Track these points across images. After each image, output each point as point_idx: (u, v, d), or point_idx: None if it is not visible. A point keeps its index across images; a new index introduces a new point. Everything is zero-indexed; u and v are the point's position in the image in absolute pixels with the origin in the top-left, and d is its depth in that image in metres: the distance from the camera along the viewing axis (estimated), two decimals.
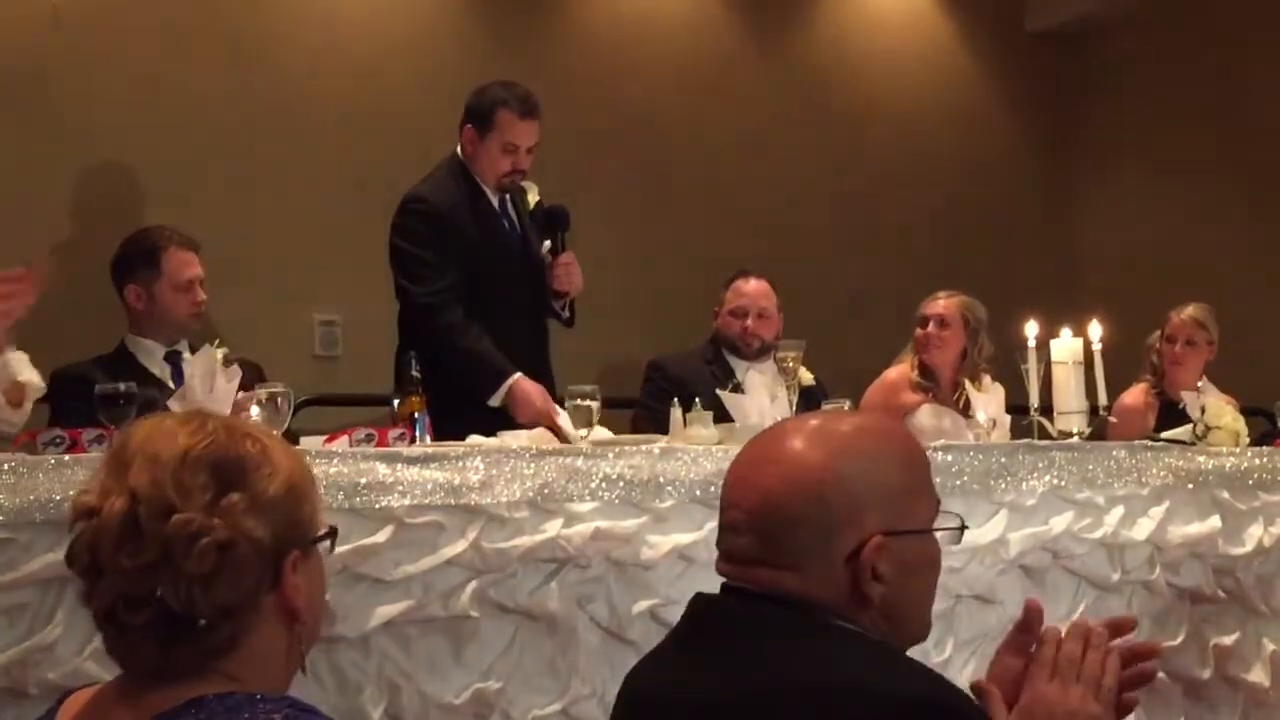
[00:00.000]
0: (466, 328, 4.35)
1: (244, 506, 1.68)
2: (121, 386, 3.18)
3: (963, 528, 1.99)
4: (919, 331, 5.44)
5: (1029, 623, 2.04)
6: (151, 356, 4.34)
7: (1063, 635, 2.00)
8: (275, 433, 1.85)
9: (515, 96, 4.58)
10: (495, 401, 4.21)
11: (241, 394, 3.57)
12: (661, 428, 4.02)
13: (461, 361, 4.30)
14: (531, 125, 4.58)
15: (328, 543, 1.79)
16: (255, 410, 3.33)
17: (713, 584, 2.85)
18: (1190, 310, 5.95)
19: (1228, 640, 4.04)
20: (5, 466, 2.81)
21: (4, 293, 3.26)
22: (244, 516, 1.68)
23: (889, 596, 1.87)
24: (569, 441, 3.72)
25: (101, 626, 1.70)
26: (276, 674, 1.74)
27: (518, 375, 4.23)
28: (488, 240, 4.60)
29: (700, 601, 2.01)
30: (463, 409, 4.04)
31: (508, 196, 4.67)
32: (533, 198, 4.71)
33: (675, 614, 3.17)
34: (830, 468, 1.88)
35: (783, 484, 1.88)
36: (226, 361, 3.63)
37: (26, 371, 3.85)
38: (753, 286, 5.42)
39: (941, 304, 5.44)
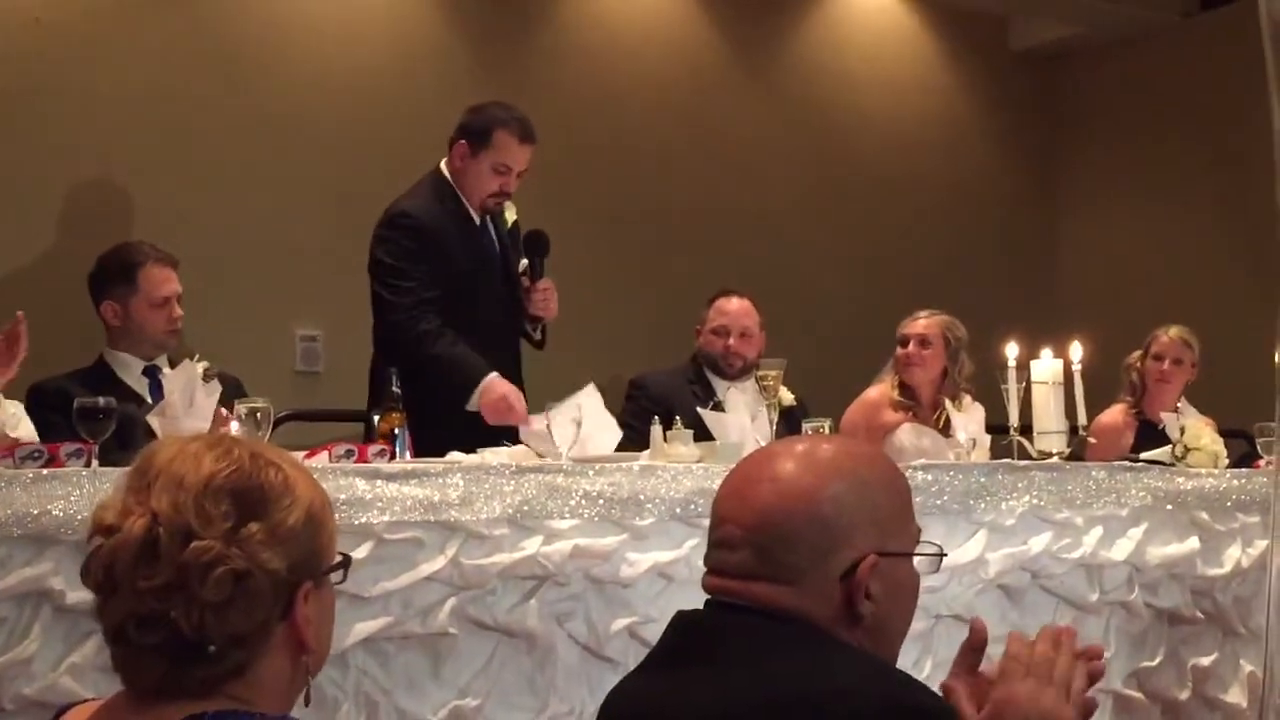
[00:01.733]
0: (440, 334, 4.34)
1: (262, 537, 1.69)
2: (101, 401, 3.17)
3: (942, 554, 2.05)
4: (899, 351, 5.46)
5: (975, 642, 2.07)
6: (130, 371, 4.32)
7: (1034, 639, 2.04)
8: (299, 460, 1.85)
9: (515, 119, 4.59)
10: (472, 405, 4.20)
11: (222, 410, 3.57)
12: (642, 445, 4.02)
13: (437, 367, 4.30)
14: (527, 151, 4.60)
15: (341, 571, 1.80)
16: (235, 425, 3.33)
17: (693, 601, 2.84)
18: (1175, 330, 5.98)
19: (1206, 661, 4.06)
20: None
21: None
22: (261, 547, 1.68)
23: (878, 615, 1.92)
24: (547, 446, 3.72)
25: (110, 643, 1.70)
26: (280, 702, 1.74)
27: (493, 375, 4.22)
28: (470, 258, 4.60)
29: (686, 617, 2.02)
30: (442, 423, 4.04)
31: (488, 215, 4.68)
32: (510, 216, 4.72)
33: (654, 632, 3.18)
34: (826, 488, 1.93)
35: (780, 501, 1.92)
36: (206, 376, 3.62)
37: (23, 427, 3.85)
38: (735, 305, 5.45)
39: (922, 323, 5.45)
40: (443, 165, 4.65)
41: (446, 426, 4.03)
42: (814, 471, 1.95)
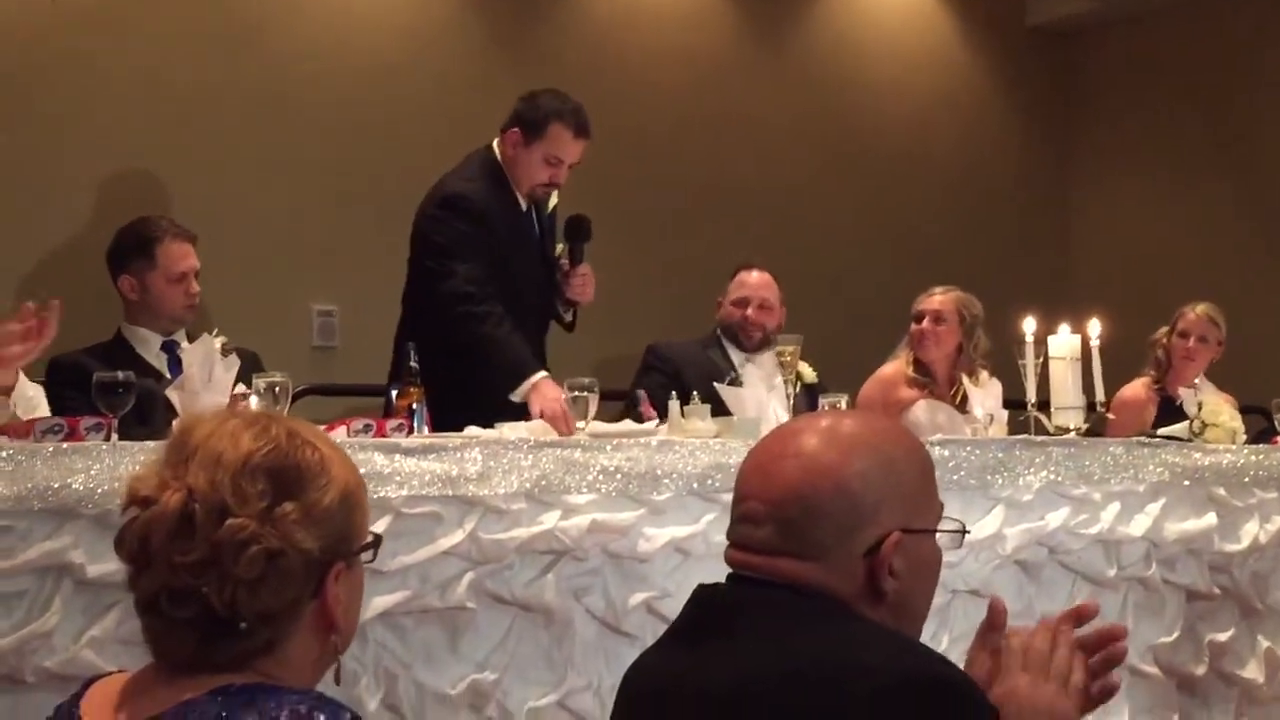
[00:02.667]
0: (503, 319, 4.33)
1: (296, 517, 1.69)
2: (120, 375, 3.17)
3: (964, 531, 2.05)
4: (914, 327, 5.45)
5: (995, 621, 2.05)
6: (148, 346, 4.32)
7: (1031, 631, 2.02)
8: (334, 439, 1.85)
9: (571, 112, 4.59)
10: (517, 396, 4.18)
11: (241, 386, 3.58)
12: (659, 415, 4.02)
13: (490, 348, 4.28)
14: (581, 145, 4.61)
15: (371, 551, 1.81)
16: (254, 400, 3.34)
17: (711, 576, 2.83)
18: (1203, 307, 5.99)
19: (1223, 637, 4.07)
20: (4, 454, 2.81)
21: (25, 333, 3.30)
22: (296, 527, 1.69)
23: (901, 591, 1.93)
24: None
25: (141, 614, 1.71)
26: (307, 678, 1.75)
27: (544, 373, 4.22)
28: (516, 242, 4.62)
29: (707, 591, 2.02)
30: (461, 401, 4.04)
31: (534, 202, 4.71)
32: (552, 201, 4.74)
33: (672, 606, 3.18)
34: (852, 464, 1.93)
35: (806, 477, 1.92)
36: (224, 351, 3.62)
37: (41, 410, 3.85)
38: (755, 278, 5.49)
39: (937, 300, 5.44)
40: (494, 146, 4.65)
41: (466, 405, 4.03)
42: (839, 448, 1.95)
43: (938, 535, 1.99)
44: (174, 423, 2.97)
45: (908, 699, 1.77)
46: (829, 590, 1.90)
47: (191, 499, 1.67)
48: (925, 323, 5.41)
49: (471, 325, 4.31)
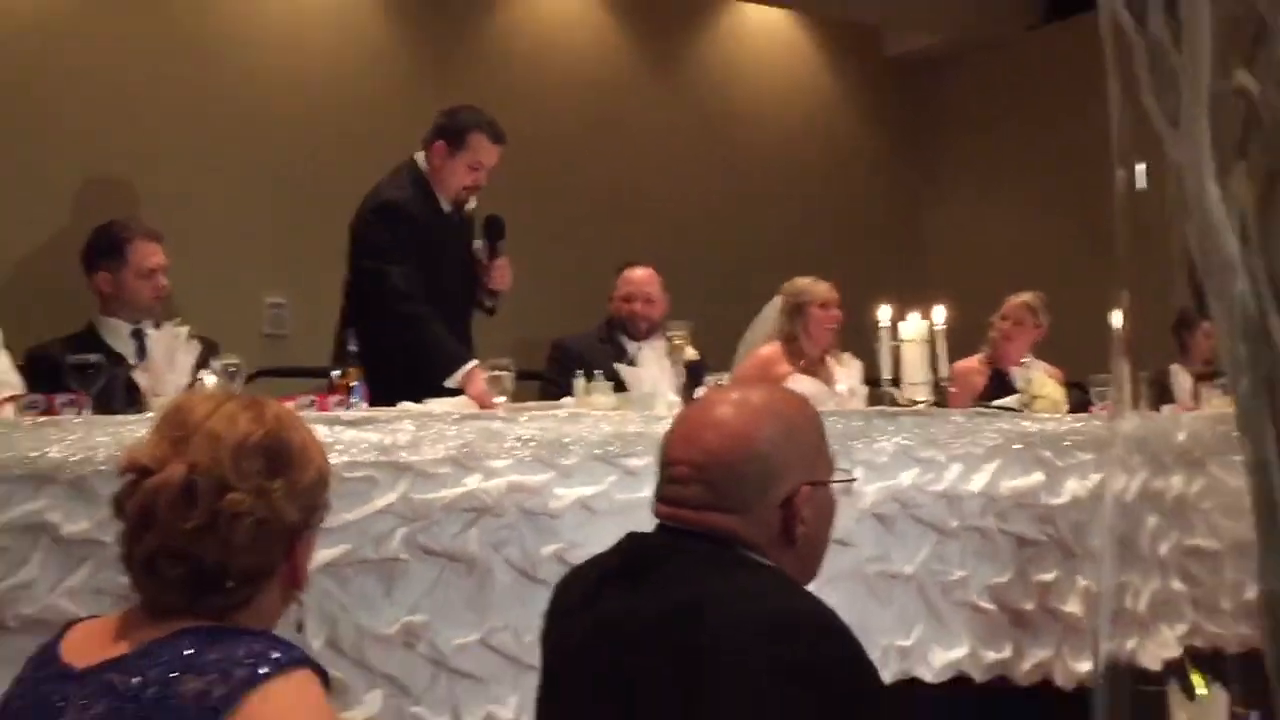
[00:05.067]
0: (432, 317, 4.32)
1: (283, 492, 1.71)
2: (92, 358, 3.15)
3: (853, 479, 2.12)
4: (816, 311, 5.40)
5: None
6: (117, 334, 4.24)
7: None
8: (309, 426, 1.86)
9: (488, 123, 4.58)
10: (452, 383, 4.15)
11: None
12: (563, 397, 4.02)
13: (425, 344, 4.26)
14: (497, 150, 4.59)
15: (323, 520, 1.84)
16: (211, 380, 3.30)
17: (611, 530, 2.82)
18: (1024, 297, 6.15)
19: (1048, 577, 4.09)
20: None
21: None
22: (282, 500, 1.71)
23: (808, 535, 1.99)
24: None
25: (135, 572, 1.71)
26: (268, 625, 1.77)
27: (475, 362, 4.20)
28: (441, 241, 4.59)
29: (638, 538, 2.07)
30: (395, 380, 4.01)
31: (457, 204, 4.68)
32: (470, 204, 4.72)
33: (579, 556, 3.20)
34: (763, 430, 1.98)
35: (725, 443, 1.97)
36: (187, 338, 3.59)
37: (12, 377, 3.79)
38: (639, 274, 5.46)
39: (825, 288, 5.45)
40: (418, 159, 4.61)
41: (400, 383, 4.01)
42: (750, 417, 2.00)
43: (834, 485, 2.06)
44: (157, 400, 2.94)
45: (794, 628, 1.83)
46: (749, 539, 1.95)
47: (193, 473, 1.67)
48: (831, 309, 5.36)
49: (407, 323, 4.30)
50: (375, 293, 4.44)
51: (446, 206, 4.63)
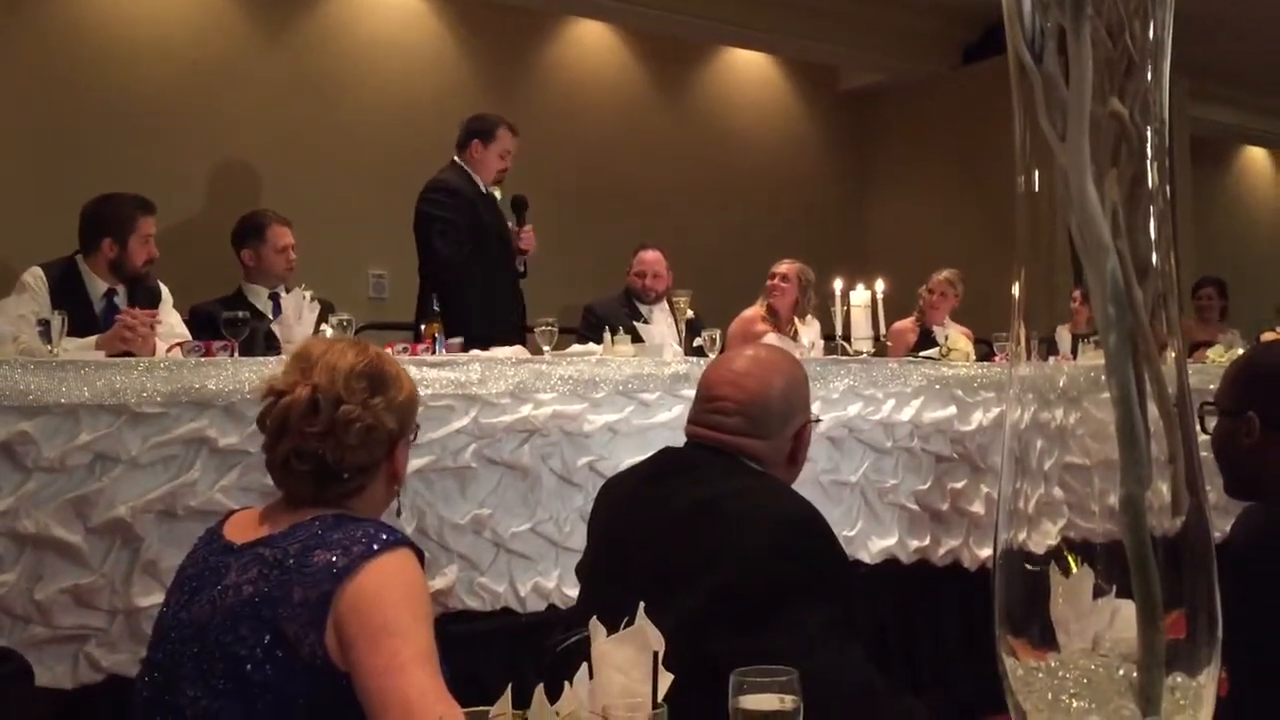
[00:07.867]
0: (475, 279, 4.33)
1: (383, 406, 1.72)
2: (240, 314, 3.15)
3: (819, 420, 2.23)
4: (769, 284, 5.46)
5: None
6: (259, 296, 4.28)
7: None
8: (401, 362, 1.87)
9: (506, 122, 4.64)
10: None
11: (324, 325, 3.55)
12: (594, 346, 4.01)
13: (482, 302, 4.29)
14: (516, 140, 4.66)
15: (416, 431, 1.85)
16: (329, 332, 3.31)
17: (632, 447, 2.80)
18: (944, 273, 6.11)
19: (959, 485, 4.10)
20: (162, 365, 2.79)
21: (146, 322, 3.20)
22: (383, 412, 1.71)
23: (799, 459, 2.04)
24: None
25: (275, 471, 1.72)
26: (377, 511, 1.78)
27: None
28: (488, 217, 4.59)
29: (671, 451, 2.06)
30: (470, 332, 4.03)
31: (493, 187, 4.68)
32: (498, 193, 4.72)
33: (606, 466, 3.22)
34: (780, 378, 2.01)
35: (760, 386, 1.99)
36: (311, 300, 3.60)
37: (181, 328, 3.81)
38: (650, 255, 5.45)
39: (785, 267, 5.47)
40: (457, 158, 4.63)
41: (472, 334, 4.02)
42: (771, 368, 2.02)
43: (815, 422, 2.11)
44: (289, 345, 2.94)
45: (796, 522, 1.84)
46: (765, 457, 1.97)
47: (316, 392, 1.68)
48: (776, 281, 5.43)
49: (455, 288, 4.32)
50: (433, 262, 4.45)
51: (484, 189, 4.63)
